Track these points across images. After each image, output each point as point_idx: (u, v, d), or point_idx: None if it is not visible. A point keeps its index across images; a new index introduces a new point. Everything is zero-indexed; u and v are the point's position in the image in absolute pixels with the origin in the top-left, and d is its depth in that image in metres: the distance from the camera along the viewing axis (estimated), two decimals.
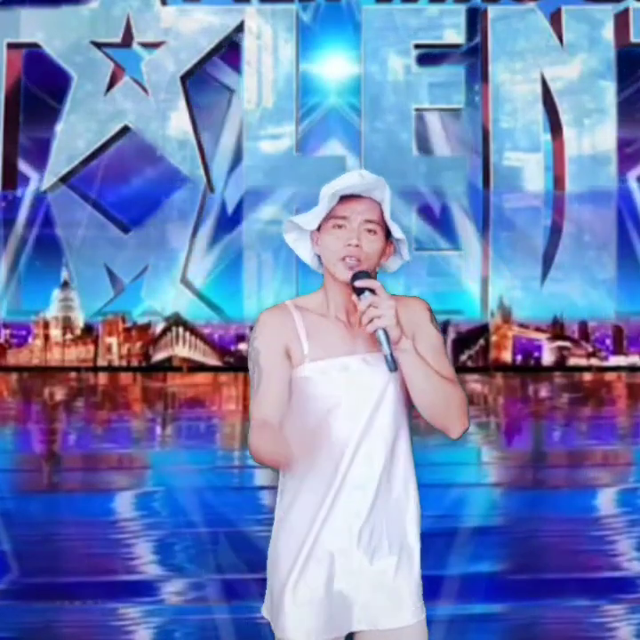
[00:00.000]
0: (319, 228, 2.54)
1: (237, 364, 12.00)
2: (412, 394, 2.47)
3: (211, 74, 12.19)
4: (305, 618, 2.38)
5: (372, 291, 2.42)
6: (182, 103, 12.07)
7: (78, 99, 12.08)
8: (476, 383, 12.05)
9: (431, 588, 5.10)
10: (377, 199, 2.49)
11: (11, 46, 12.12)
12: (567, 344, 12.14)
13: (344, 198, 2.49)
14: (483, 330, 12.11)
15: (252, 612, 4.58)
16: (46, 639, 4.57)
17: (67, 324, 12.25)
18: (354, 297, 2.43)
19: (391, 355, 2.40)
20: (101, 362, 12.29)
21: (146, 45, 12.10)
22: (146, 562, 5.55)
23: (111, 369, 12.29)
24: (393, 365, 2.41)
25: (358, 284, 2.43)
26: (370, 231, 2.48)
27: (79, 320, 12.28)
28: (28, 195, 12.15)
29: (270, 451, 2.32)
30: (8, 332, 12.25)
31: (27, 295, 12.21)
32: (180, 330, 12.17)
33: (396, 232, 2.52)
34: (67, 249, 12.09)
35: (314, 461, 2.38)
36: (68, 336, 12.26)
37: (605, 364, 12.10)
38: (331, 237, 2.49)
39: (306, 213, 2.54)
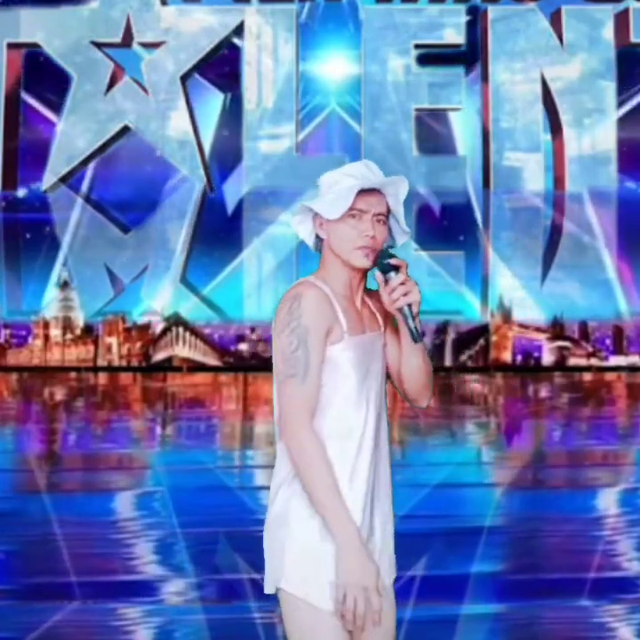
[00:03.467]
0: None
1: (237, 364, 12.01)
2: (408, 367, 2.66)
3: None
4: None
5: (397, 269, 2.58)
6: (182, 103, 12.08)
7: (78, 99, 12.08)
8: (475, 383, 12.06)
9: (431, 587, 5.10)
10: (385, 192, 2.63)
11: (11, 46, 12.13)
12: (567, 344, 12.14)
13: (360, 190, 2.60)
14: (483, 330, 12.11)
15: (252, 612, 4.59)
16: (46, 639, 4.58)
17: (67, 324, 12.26)
18: (379, 275, 2.58)
19: (417, 328, 2.57)
20: (101, 362, 12.29)
21: (146, 45, 12.11)
22: (146, 562, 5.55)
23: (111, 369, 12.30)
24: (419, 337, 2.58)
25: (393, 261, 2.58)
26: (379, 222, 2.63)
27: (79, 320, 12.29)
28: (28, 195, 12.16)
29: (329, 500, 2.46)
30: (8, 331, 12.26)
31: (27, 295, 12.22)
32: (180, 330, 12.18)
33: (404, 225, 2.71)
34: (67, 249, 12.10)
35: (350, 431, 2.55)
36: (68, 336, 12.27)
37: (605, 364, 12.10)
38: (345, 226, 2.60)
39: (321, 200, 2.63)
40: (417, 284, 2.59)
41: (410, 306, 2.56)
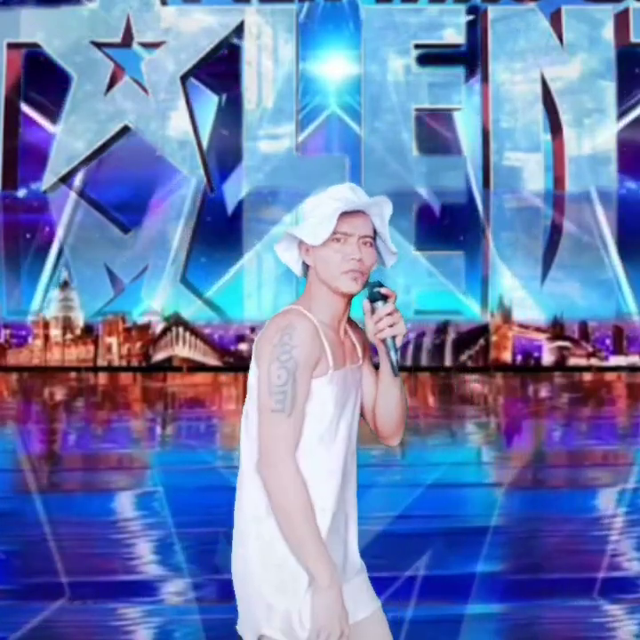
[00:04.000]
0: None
1: (237, 364, 12.01)
2: (384, 401, 2.62)
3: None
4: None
5: (386, 299, 2.52)
6: (182, 103, 12.07)
7: (78, 99, 12.08)
8: (475, 383, 12.05)
9: (431, 587, 5.10)
10: (369, 213, 2.57)
11: (11, 46, 12.12)
12: (567, 344, 12.14)
13: (343, 213, 2.54)
14: (483, 330, 12.11)
15: None
16: (46, 639, 4.57)
17: (67, 324, 12.25)
18: (366, 303, 2.53)
19: (397, 361, 2.53)
20: (101, 362, 12.29)
21: (146, 45, 12.10)
22: (146, 562, 5.55)
23: (111, 369, 12.29)
24: (398, 371, 2.55)
25: (383, 290, 2.53)
26: (366, 244, 2.55)
27: (79, 320, 12.28)
28: (27, 195, 12.15)
29: (311, 549, 2.40)
30: (8, 331, 12.25)
31: (27, 295, 12.21)
32: (180, 330, 12.17)
33: (392, 246, 2.61)
34: (67, 249, 12.10)
35: (326, 465, 2.50)
36: (68, 336, 12.26)
37: (605, 364, 12.10)
38: (330, 251, 2.54)
39: (304, 226, 2.57)
40: (402, 317, 2.54)
41: (394, 338, 2.53)
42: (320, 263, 2.56)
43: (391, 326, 2.51)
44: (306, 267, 2.64)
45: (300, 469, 2.46)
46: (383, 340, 2.53)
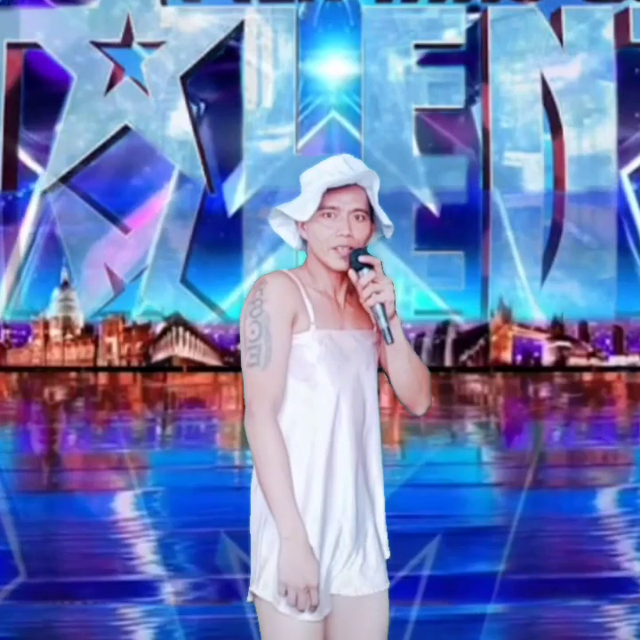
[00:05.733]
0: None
1: (237, 364, 12.00)
2: (393, 369, 2.58)
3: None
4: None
5: (371, 267, 2.50)
6: (182, 103, 12.08)
7: (78, 99, 12.08)
8: (475, 383, 12.05)
9: (431, 587, 5.10)
10: (363, 185, 2.55)
11: (11, 46, 12.12)
12: (567, 344, 12.14)
13: (335, 187, 2.53)
14: (483, 330, 12.11)
15: (252, 612, 4.59)
16: (46, 639, 4.58)
17: (67, 324, 12.25)
18: (351, 272, 2.50)
19: (388, 328, 2.49)
20: (101, 362, 12.29)
21: (146, 45, 12.10)
22: (146, 562, 5.55)
23: (111, 369, 12.29)
24: (391, 338, 2.50)
25: (362, 259, 2.50)
26: (358, 218, 2.53)
27: (79, 320, 12.28)
28: (28, 195, 12.15)
29: (279, 495, 2.41)
30: (8, 331, 12.26)
31: (27, 295, 12.21)
32: (180, 330, 12.18)
33: (385, 219, 2.58)
34: (67, 249, 12.10)
35: (311, 433, 2.48)
36: (68, 336, 12.26)
37: (605, 364, 12.10)
38: (320, 227, 2.53)
39: (292, 202, 2.56)
40: (391, 283, 2.51)
41: (383, 305, 2.50)
42: (312, 238, 2.56)
43: (377, 293, 2.48)
44: (303, 240, 2.64)
45: (290, 419, 2.47)
46: (372, 308, 2.50)
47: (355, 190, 2.53)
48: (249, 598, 2.54)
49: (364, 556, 2.55)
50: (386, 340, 2.51)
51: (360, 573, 2.54)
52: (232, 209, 12.07)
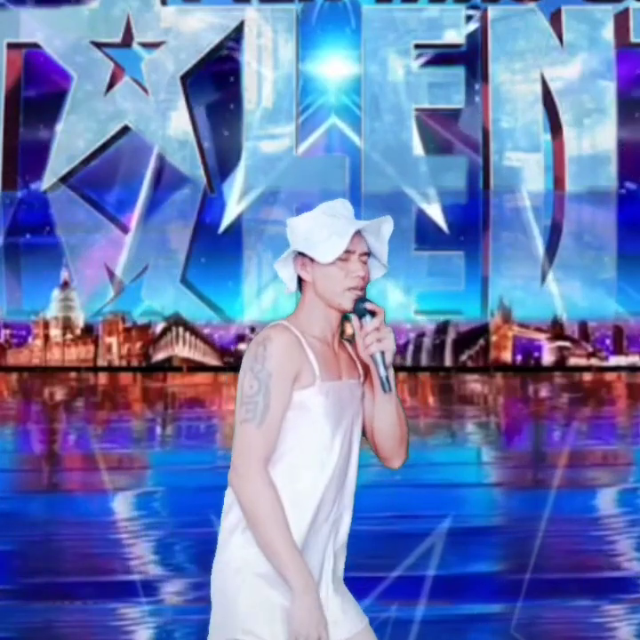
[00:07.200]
0: (310, 257, 2.59)
1: (237, 364, 11.98)
2: (379, 421, 2.58)
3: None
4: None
5: (373, 314, 2.52)
6: (182, 103, 12.07)
7: (78, 99, 12.07)
8: (475, 383, 12.05)
9: (432, 587, 5.10)
10: (366, 231, 2.59)
11: (11, 46, 12.12)
12: (567, 344, 12.14)
13: None
14: (483, 330, 12.11)
15: None
16: (46, 639, 4.58)
17: (67, 324, 12.25)
18: (354, 319, 2.53)
19: (387, 377, 2.50)
20: (101, 362, 12.29)
21: (146, 45, 12.10)
22: (146, 562, 5.55)
23: (111, 369, 12.29)
24: (389, 387, 2.51)
25: (369, 306, 2.53)
26: (363, 262, 2.58)
27: (79, 320, 12.28)
28: (28, 195, 12.15)
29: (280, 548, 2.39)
30: (8, 332, 12.25)
31: (27, 295, 12.21)
32: (180, 330, 12.17)
33: (385, 259, 2.63)
34: (67, 249, 12.09)
35: (315, 483, 2.48)
36: (68, 336, 12.26)
37: (605, 364, 12.09)
38: (335, 268, 2.54)
39: (310, 243, 2.56)
40: (392, 333, 2.52)
41: (383, 354, 2.51)
42: (322, 279, 2.57)
43: (379, 342, 2.50)
44: (299, 282, 2.64)
45: (288, 480, 2.46)
46: (372, 356, 2.51)
47: (359, 235, 2.57)
48: None
49: (342, 596, 2.56)
50: (383, 389, 2.52)
51: (343, 614, 2.54)
52: (232, 209, 12.07)
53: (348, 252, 2.54)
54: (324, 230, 2.56)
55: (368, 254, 2.60)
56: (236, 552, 2.48)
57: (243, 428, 2.47)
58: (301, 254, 2.61)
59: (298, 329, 2.55)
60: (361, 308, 2.54)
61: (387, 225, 2.58)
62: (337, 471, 2.52)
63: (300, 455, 2.49)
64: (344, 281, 2.54)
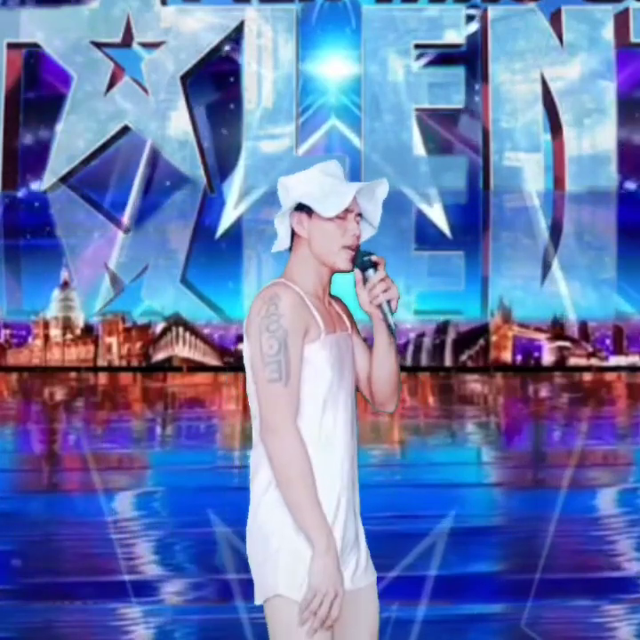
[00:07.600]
0: (309, 212, 2.63)
1: (237, 364, 12.01)
2: (381, 369, 2.67)
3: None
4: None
5: (376, 266, 2.59)
6: (182, 103, 12.08)
7: (78, 99, 12.08)
8: (476, 383, 12.06)
9: (432, 587, 5.10)
10: (359, 193, 2.66)
11: (11, 46, 12.13)
12: (567, 344, 12.14)
13: None
14: (483, 330, 12.11)
15: (253, 612, 4.58)
16: (46, 639, 4.58)
17: (67, 324, 12.26)
18: (357, 272, 2.59)
19: (394, 324, 2.60)
20: (101, 362, 12.29)
21: (146, 45, 12.10)
22: (146, 562, 5.55)
23: (111, 369, 12.30)
24: (395, 333, 2.61)
25: (373, 258, 2.59)
26: (357, 222, 2.64)
27: (79, 320, 12.29)
28: (28, 195, 12.16)
29: (310, 515, 2.46)
30: (8, 331, 12.26)
31: (27, 295, 12.22)
32: (180, 330, 12.18)
33: (376, 223, 2.69)
34: (67, 249, 12.10)
35: (330, 433, 2.56)
36: (68, 336, 12.27)
37: (605, 364, 12.10)
38: (332, 225, 2.60)
39: (316, 198, 2.62)
40: (394, 282, 2.60)
41: (389, 302, 2.58)
42: (318, 236, 2.62)
43: (385, 291, 2.57)
44: (292, 237, 2.68)
45: (307, 437, 2.52)
46: (380, 306, 2.58)
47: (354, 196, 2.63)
48: (259, 601, 2.56)
49: (358, 551, 2.62)
50: (392, 335, 2.60)
51: (357, 567, 2.61)
52: (232, 209, 12.08)
53: (346, 210, 2.60)
54: (325, 187, 2.62)
55: (360, 215, 2.65)
56: (270, 511, 2.54)
57: (271, 388, 2.50)
58: (298, 210, 2.65)
59: (297, 286, 2.60)
60: (364, 260, 2.59)
61: (382, 187, 2.64)
62: (341, 421, 2.58)
63: (311, 409, 2.54)
64: (341, 239, 2.60)
